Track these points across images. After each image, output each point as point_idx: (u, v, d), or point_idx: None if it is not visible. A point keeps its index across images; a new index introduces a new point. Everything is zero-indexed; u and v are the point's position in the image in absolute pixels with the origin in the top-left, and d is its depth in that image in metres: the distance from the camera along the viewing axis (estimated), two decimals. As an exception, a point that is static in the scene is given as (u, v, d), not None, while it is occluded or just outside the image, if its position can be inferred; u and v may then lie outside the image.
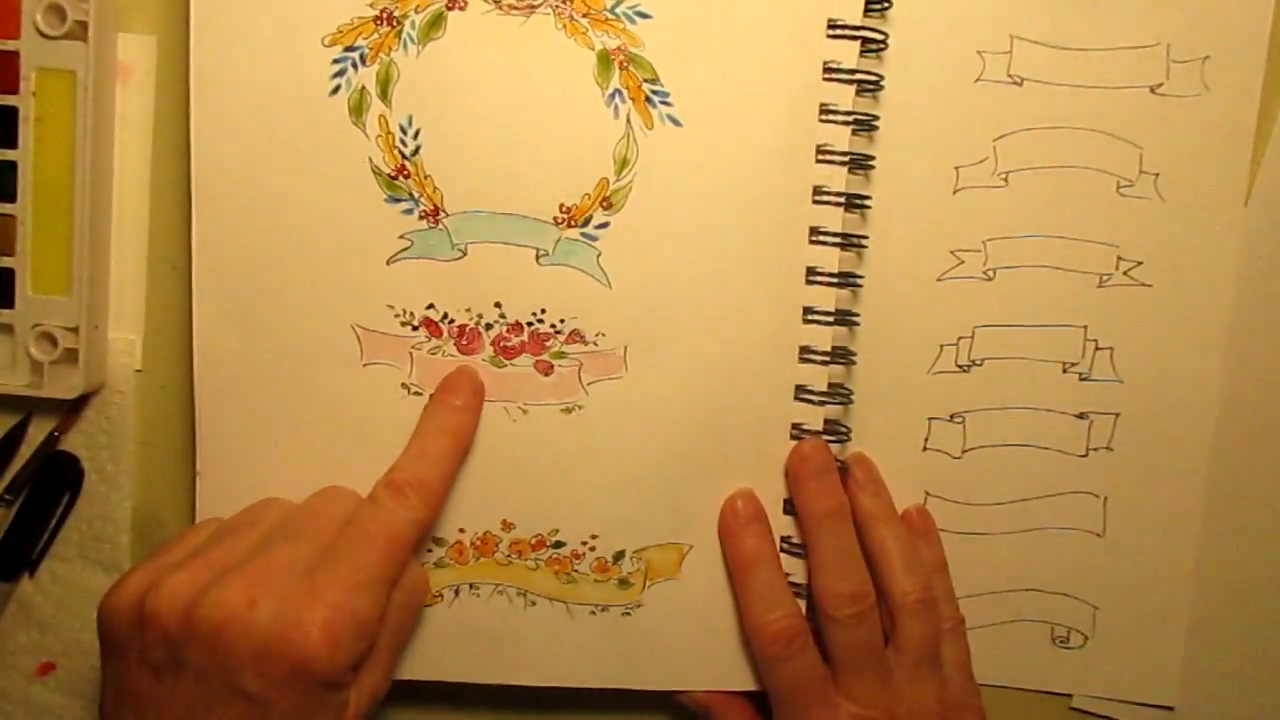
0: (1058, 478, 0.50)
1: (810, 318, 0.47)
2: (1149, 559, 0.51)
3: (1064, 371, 0.50)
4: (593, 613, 0.48)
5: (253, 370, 0.46)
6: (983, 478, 0.50)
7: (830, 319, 0.46)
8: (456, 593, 0.47)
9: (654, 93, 0.45)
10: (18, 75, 0.46)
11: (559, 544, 0.47)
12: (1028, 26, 0.48)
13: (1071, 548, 0.51)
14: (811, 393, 0.47)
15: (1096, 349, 0.50)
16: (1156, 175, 0.49)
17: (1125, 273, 0.49)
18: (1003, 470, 0.50)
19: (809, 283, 0.46)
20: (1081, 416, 0.50)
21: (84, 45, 0.45)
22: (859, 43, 0.45)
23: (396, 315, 0.45)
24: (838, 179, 0.46)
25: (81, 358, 0.47)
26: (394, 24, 0.44)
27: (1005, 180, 0.48)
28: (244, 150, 0.44)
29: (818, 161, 0.46)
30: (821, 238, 0.46)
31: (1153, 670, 0.51)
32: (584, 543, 0.47)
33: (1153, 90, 0.48)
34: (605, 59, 0.44)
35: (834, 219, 0.46)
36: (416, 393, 0.46)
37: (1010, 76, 0.48)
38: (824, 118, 0.46)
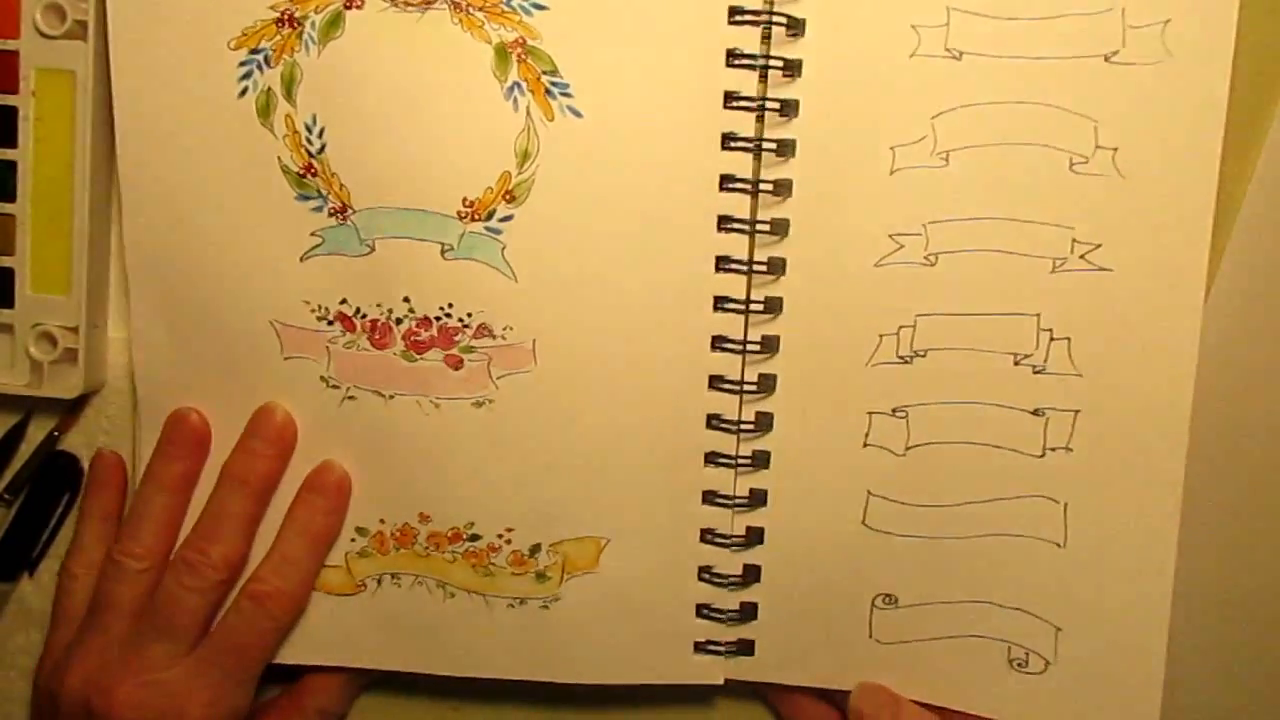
0: (1012, 479, 0.47)
1: (723, 306, 0.45)
2: (1120, 575, 0.46)
3: (1015, 364, 0.46)
4: (511, 605, 0.48)
5: (183, 365, 0.47)
6: (929, 477, 0.47)
7: (742, 307, 0.45)
8: (379, 582, 0.48)
9: (553, 84, 0.44)
10: (17, 75, 0.46)
11: (475, 537, 0.47)
12: (965, -3, 0.44)
13: (1029, 558, 0.47)
14: (728, 382, 0.46)
15: (1051, 339, 0.46)
16: (1114, 150, 0.45)
17: (1082, 256, 0.45)
18: (951, 470, 0.47)
19: (719, 271, 0.45)
20: (1037, 413, 0.46)
21: (84, 45, 0.46)
22: (760, 29, 0.44)
23: (313, 310, 0.47)
24: (748, 165, 0.44)
25: (81, 357, 0.48)
26: (295, 25, 0.45)
27: (946, 159, 0.45)
28: (165, 153, 0.46)
29: (725, 149, 0.44)
30: (731, 225, 0.45)
31: (1126, 703, 0.47)
32: (500, 535, 0.47)
33: (1107, 59, 0.44)
34: (503, 52, 0.44)
35: (744, 206, 0.45)
36: (334, 386, 0.47)
37: (948, 50, 0.45)
38: (730, 104, 0.44)
